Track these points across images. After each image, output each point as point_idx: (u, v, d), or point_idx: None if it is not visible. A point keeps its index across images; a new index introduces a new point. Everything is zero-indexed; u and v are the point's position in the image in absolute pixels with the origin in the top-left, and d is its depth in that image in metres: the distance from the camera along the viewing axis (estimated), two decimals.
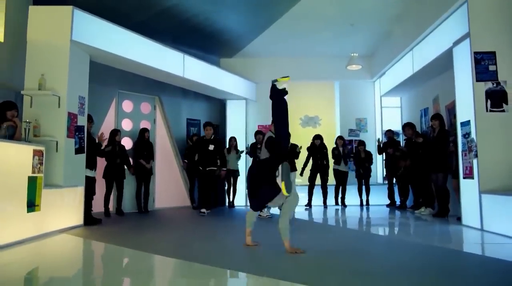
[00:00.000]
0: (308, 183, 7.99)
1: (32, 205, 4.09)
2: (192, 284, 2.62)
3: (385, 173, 8.40)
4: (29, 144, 4.18)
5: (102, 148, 5.98)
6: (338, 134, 8.87)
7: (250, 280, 2.74)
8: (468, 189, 4.95)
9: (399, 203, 7.61)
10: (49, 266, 3.23)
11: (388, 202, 7.90)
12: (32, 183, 4.09)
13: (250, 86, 9.14)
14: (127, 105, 7.46)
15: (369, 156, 8.11)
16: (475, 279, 2.77)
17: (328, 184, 8.07)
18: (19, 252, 3.56)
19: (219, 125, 9.02)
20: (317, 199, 8.03)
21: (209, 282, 2.63)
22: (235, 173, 8.13)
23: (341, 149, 8.12)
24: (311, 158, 7.94)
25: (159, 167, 7.63)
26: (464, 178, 5.06)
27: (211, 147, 6.49)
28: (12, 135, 4.30)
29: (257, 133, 7.92)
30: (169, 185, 7.88)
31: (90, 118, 5.64)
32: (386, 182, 8.07)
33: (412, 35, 6.68)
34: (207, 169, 6.48)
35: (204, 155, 6.51)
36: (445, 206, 5.85)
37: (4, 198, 3.67)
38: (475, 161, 4.78)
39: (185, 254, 3.44)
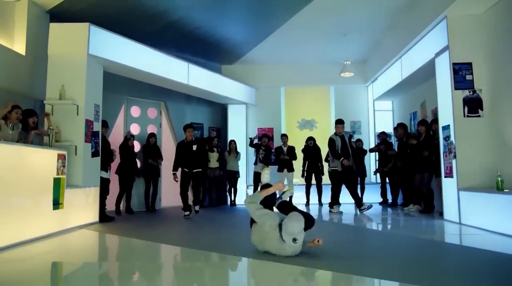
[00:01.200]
0: (305, 183, 8.49)
1: (57, 203, 4.59)
2: (203, 268, 3.12)
3: (376, 166, 8.84)
4: (53, 149, 4.68)
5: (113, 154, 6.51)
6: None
7: (254, 263, 3.23)
8: (449, 187, 5.46)
9: (391, 201, 8.11)
10: (77, 255, 3.72)
11: (381, 200, 8.40)
12: (57, 183, 4.59)
13: (250, 92, 9.65)
14: (135, 111, 7.96)
15: (364, 153, 8.63)
16: (454, 264, 3.20)
17: (323, 183, 8.54)
18: (49, 244, 4.06)
19: (220, 129, 9.53)
20: (316, 199, 8.51)
21: (218, 266, 3.13)
22: (235, 174, 8.64)
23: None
24: (306, 159, 8.43)
25: (165, 168, 8.09)
26: (445, 176, 5.57)
27: (194, 147, 6.45)
28: (31, 141, 4.76)
29: (263, 136, 8.55)
30: (174, 185, 8.33)
31: (105, 124, 6.14)
32: (378, 174, 8.52)
33: (401, 45, 7.19)
34: (193, 171, 6.46)
35: (188, 157, 6.43)
36: (430, 203, 6.36)
37: (33, 197, 4.17)
38: (454, 161, 5.29)
39: (195, 244, 3.94)
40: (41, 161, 4.37)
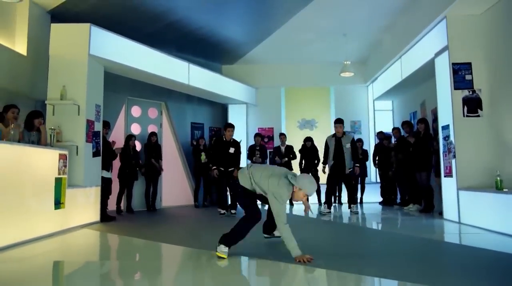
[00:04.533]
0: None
1: (58, 203, 4.62)
2: (203, 268, 3.14)
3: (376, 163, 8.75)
4: (55, 149, 4.71)
5: (114, 148, 6.45)
6: None
7: (255, 262, 3.25)
8: (448, 186, 5.48)
9: (399, 201, 8.02)
10: (77, 256, 3.75)
11: (381, 199, 8.41)
12: (58, 183, 4.62)
13: (251, 92, 9.67)
14: (136, 111, 7.99)
15: (365, 153, 8.64)
16: (453, 263, 3.22)
17: (321, 182, 8.55)
18: (50, 244, 4.08)
19: (221, 129, 9.56)
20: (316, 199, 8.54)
21: (219, 265, 3.14)
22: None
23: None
24: (303, 159, 8.43)
25: (166, 168, 8.12)
26: (444, 176, 5.59)
27: (232, 150, 6.45)
28: (38, 141, 4.82)
29: (256, 135, 8.46)
30: (174, 185, 8.41)
31: (107, 125, 6.18)
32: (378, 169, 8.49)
33: (400, 45, 7.21)
34: (229, 169, 6.43)
35: (225, 156, 6.39)
36: (429, 202, 6.38)
37: (35, 196, 4.19)
38: (453, 161, 5.31)
39: (196, 243, 3.96)
40: (43, 161, 4.39)
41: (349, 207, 6.53)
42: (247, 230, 3.24)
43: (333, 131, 9.58)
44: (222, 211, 6.50)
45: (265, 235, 3.88)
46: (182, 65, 7.62)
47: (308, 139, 8.46)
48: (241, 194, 3.35)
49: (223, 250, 3.17)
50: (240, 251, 3.38)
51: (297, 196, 3.17)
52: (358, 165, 6.52)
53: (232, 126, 6.59)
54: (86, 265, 3.32)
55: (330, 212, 6.63)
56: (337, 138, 6.55)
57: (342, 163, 6.43)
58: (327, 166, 6.67)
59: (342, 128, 6.60)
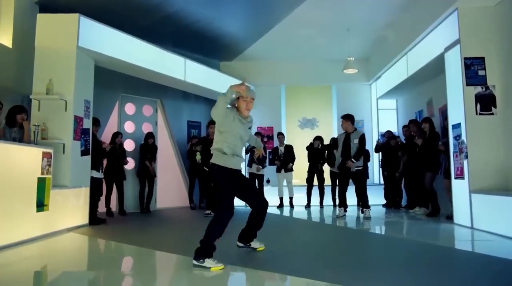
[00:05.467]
0: (306, 184, 8.18)
1: (41, 205, 4.28)
2: (195, 279, 2.81)
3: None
4: (38, 146, 4.37)
5: (104, 146, 6.08)
6: (336, 136, 9.04)
7: (250, 274, 2.92)
8: (459, 189, 5.15)
9: (405, 203, 7.67)
10: (58, 263, 3.40)
11: (384, 202, 8.09)
12: (41, 183, 4.28)
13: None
14: (130, 108, 7.65)
15: (367, 153, 8.31)
16: (465, 274, 2.93)
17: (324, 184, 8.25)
18: (30, 250, 3.74)
19: None
20: (315, 199, 8.21)
21: (212, 277, 2.81)
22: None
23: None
24: (309, 157, 8.09)
25: (161, 168, 7.82)
26: (455, 178, 5.26)
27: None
28: (21, 138, 4.50)
29: (255, 134, 8.11)
30: (170, 186, 8.07)
31: (97, 122, 5.84)
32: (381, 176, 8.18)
33: (406, 41, 6.90)
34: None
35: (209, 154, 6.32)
36: (434, 205, 6.06)
37: (15, 198, 3.85)
38: (465, 162, 4.99)
39: (188, 250, 3.62)
40: (24, 159, 4.05)
41: (362, 212, 6.11)
42: (221, 226, 2.95)
43: (335, 131, 9.44)
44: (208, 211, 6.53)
45: (239, 244, 3.51)
46: (178, 60, 7.29)
47: (318, 139, 8.10)
48: (223, 189, 3.06)
49: (211, 263, 2.83)
50: (238, 261, 3.05)
51: (241, 104, 3.14)
52: (354, 160, 5.97)
53: (214, 122, 6.26)
54: (61, 276, 2.98)
55: (345, 215, 6.24)
56: (346, 134, 6.12)
57: (350, 159, 5.98)
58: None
59: (349, 124, 6.08)
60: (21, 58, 5.44)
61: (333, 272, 2.79)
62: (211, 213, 6.55)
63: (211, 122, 6.41)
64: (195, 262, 2.87)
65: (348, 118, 6.12)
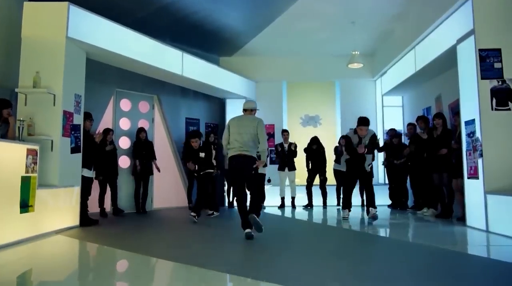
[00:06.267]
0: (306, 183, 7.91)
1: (25, 206, 3.97)
2: None
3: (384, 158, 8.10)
4: (22, 143, 4.07)
5: (94, 137, 5.71)
6: (339, 133, 8.77)
7: (245, 284, 2.62)
8: (473, 189, 4.83)
9: (412, 204, 7.36)
10: (41, 269, 3.11)
11: (389, 202, 7.79)
12: (26, 183, 3.97)
13: (250, 85, 9.04)
14: (125, 104, 7.34)
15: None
16: (480, 282, 2.67)
17: (328, 184, 7.96)
18: (12, 254, 3.45)
19: (218, 125, 8.92)
20: (317, 200, 7.92)
21: None
22: None
23: (343, 148, 7.97)
24: (309, 160, 7.88)
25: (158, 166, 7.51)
26: (468, 178, 4.95)
27: (202, 155, 6.19)
28: (5, 134, 4.20)
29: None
30: (167, 185, 7.77)
31: (89, 116, 5.53)
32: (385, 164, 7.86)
33: (414, 34, 6.58)
34: (203, 172, 6.18)
35: (199, 162, 6.21)
36: (449, 207, 5.75)
37: None
38: (480, 161, 4.67)
39: (182, 256, 3.32)
40: (6, 156, 3.75)
41: (367, 212, 5.76)
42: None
43: (338, 128, 9.13)
44: (210, 212, 6.43)
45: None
46: (175, 53, 6.98)
47: (314, 142, 7.81)
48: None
49: None
50: (235, 269, 2.75)
51: None
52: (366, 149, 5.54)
53: (195, 136, 6.28)
54: (44, 283, 2.68)
55: (348, 215, 5.92)
56: (359, 137, 5.64)
57: (360, 156, 5.59)
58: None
59: (366, 131, 5.61)
60: (8, 49, 5.13)
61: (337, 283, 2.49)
62: (214, 213, 6.45)
63: (192, 136, 6.29)
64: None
65: (368, 124, 5.65)
